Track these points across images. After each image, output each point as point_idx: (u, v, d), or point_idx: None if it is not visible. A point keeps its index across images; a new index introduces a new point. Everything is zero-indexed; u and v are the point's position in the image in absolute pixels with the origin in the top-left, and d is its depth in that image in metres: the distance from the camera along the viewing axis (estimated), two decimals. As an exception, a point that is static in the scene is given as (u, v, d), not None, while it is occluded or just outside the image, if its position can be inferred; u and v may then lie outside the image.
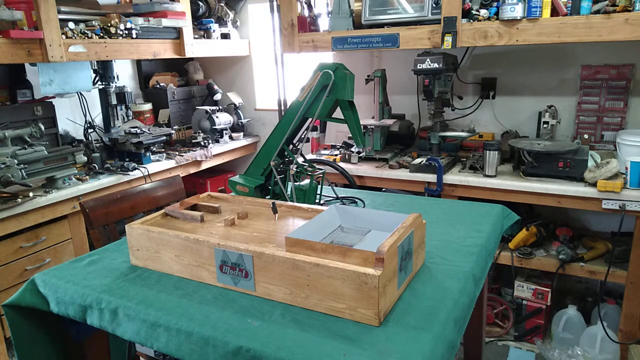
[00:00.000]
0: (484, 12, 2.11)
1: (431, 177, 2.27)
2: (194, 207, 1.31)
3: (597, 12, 1.94)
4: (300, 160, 1.53)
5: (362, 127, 2.41)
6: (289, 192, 1.48)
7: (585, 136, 2.41)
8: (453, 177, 2.26)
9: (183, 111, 3.23)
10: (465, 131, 2.49)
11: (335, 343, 0.84)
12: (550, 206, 2.16)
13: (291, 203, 1.32)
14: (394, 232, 0.97)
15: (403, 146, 2.74)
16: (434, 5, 2.18)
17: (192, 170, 2.86)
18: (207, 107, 3.13)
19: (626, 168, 1.96)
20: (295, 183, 1.47)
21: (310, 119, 1.46)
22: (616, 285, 2.35)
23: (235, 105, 3.32)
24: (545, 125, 2.41)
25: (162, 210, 1.28)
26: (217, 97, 3.38)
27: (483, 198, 2.12)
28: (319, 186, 1.53)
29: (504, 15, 2.03)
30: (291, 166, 1.47)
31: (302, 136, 1.53)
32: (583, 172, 2.03)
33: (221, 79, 3.57)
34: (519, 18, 2.01)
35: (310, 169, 1.50)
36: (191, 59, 3.46)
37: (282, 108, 2.99)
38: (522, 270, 2.42)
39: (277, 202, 1.27)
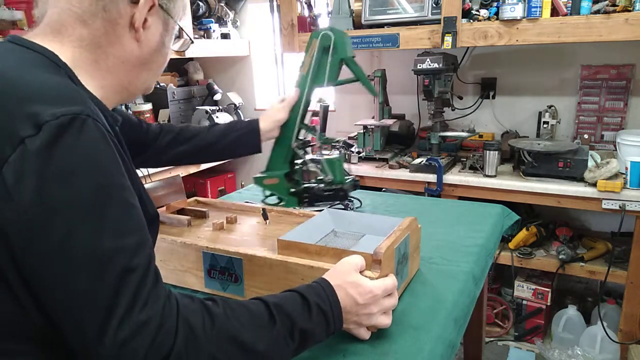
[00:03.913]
0: (484, 12, 2.11)
1: (431, 177, 2.27)
2: (180, 212, 1.28)
3: (597, 12, 1.93)
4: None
5: (362, 126, 2.44)
6: (320, 166, 1.40)
7: (585, 136, 2.40)
8: (453, 177, 2.26)
9: (183, 111, 3.22)
10: (465, 131, 2.49)
11: (334, 344, 0.84)
12: (550, 206, 2.16)
13: (281, 208, 1.27)
14: (390, 234, 0.94)
15: (403, 146, 2.74)
16: (434, 5, 2.18)
17: (192, 170, 2.86)
18: (207, 107, 3.13)
19: (626, 168, 1.96)
20: (324, 157, 1.40)
21: (319, 87, 1.40)
22: (616, 285, 2.35)
23: (235, 105, 3.32)
24: (545, 125, 2.41)
25: None
26: (217, 97, 3.38)
27: (483, 198, 2.11)
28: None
29: (504, 15, 2.03)
30: (316, 141, 1.39)
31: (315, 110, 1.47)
32: (583, 172, 2.03)
33: (221, 79, 3.57)
34: (519, 18, 2.01)
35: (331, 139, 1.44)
36: (191, 59, 3.46)
37: (282, 108, 2.98)
38: (522, 270, 2.42)
39: (267, 207, 1.25)
